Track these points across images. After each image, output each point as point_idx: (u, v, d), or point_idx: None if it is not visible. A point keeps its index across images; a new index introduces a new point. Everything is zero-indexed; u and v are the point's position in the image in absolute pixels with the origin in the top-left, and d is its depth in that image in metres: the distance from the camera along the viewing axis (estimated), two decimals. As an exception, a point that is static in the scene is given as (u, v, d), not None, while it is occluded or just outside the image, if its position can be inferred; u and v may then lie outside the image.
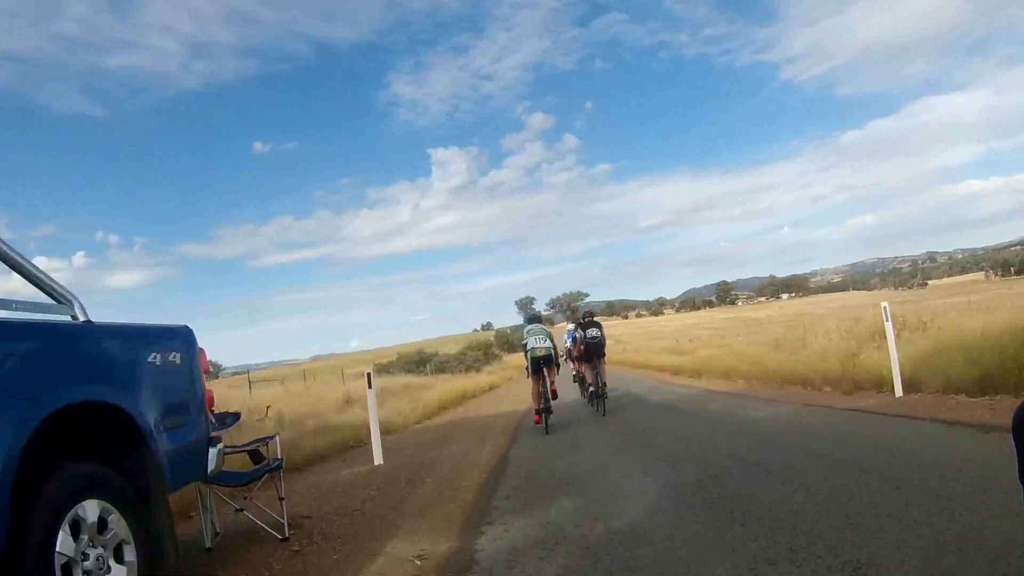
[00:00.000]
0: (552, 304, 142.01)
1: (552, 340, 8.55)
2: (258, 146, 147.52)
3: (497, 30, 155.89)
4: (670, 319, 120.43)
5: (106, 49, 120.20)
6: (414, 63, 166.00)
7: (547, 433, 7.86)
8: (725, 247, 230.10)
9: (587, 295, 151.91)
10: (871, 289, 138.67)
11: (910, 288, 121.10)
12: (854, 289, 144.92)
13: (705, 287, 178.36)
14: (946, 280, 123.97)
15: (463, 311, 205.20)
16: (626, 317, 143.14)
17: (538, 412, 8.21)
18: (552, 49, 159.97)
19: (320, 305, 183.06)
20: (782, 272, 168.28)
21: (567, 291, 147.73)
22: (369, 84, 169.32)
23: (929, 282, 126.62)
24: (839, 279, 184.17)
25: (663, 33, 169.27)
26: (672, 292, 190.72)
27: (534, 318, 9.62)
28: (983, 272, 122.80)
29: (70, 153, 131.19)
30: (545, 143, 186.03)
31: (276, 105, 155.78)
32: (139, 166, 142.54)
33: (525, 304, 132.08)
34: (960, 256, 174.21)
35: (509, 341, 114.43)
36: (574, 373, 11.69)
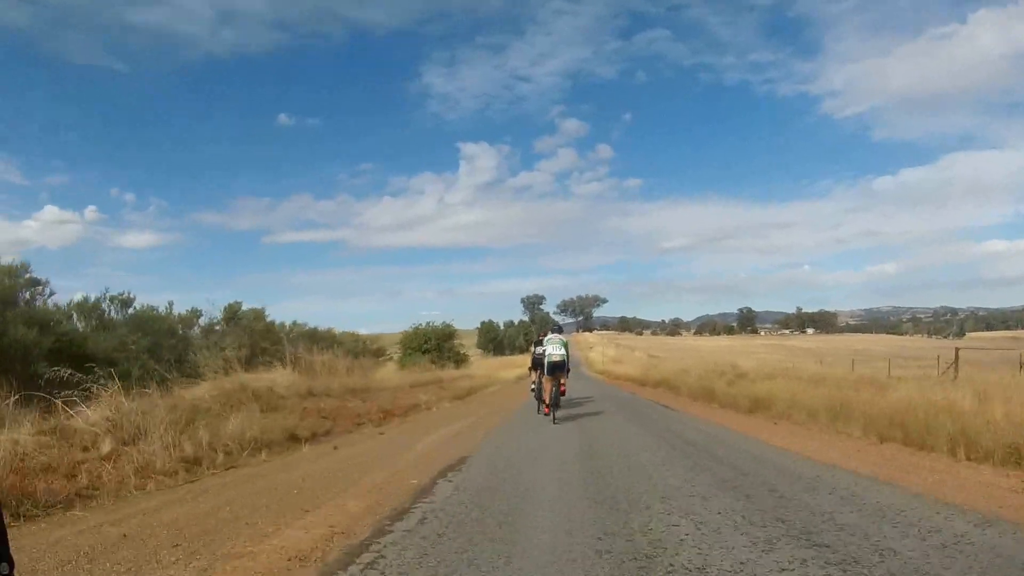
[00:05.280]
0: (563, 307, 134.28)
1: (567, 349, 10.19)
2: (282, 118, 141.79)
3: (537, 34, 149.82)
4: (694, 340, 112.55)
5: (135, 3, 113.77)
6: (449, 56, 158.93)
7: (554, 423, 9.30)
8: (742, 277, 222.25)
9: (605, 300, 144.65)
10: (902, 334, 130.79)
11: (946, 337, 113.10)
12: (878, 332, 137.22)
13: (720, 314, 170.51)
14: (983, 334, 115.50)
15: (472, 310, 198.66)
16: (640, 334, 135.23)
17: (547, 405, 9.96)
18: (592, 59, 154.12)
19: (331, 287, 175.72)
20: (796, 309, 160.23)
21: (582, 295, 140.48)
22: (401, 73, 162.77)
23: (968, 334, 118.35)
24: (855, 322, 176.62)
25: (705, 54, 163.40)
26: (684, 315, 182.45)
27: (556, 328, 11.42)
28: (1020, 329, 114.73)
29: (90, 105, 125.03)
30: (578, 151, 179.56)
31: (303, 82, 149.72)
32: (160, 127, 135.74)
33: (532, 303, 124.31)
34: (982, 313, 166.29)
35: (497, 338, 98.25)
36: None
